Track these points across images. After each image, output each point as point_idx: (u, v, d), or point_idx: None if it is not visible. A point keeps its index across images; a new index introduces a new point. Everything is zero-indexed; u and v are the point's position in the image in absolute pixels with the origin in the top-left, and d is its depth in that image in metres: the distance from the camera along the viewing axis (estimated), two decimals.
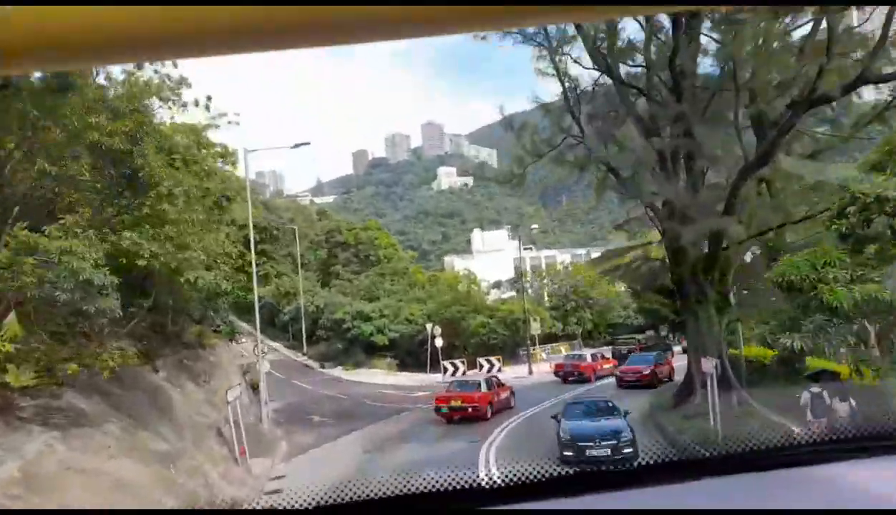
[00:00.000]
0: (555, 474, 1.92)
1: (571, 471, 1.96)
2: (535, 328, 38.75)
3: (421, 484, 1.93)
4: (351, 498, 1.93)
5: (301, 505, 1.92)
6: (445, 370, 37.27)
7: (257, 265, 27.30)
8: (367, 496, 1.93)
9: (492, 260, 73.82)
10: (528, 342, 38.98)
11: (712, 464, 2.01)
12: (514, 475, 1.89)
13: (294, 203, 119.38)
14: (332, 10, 0.74)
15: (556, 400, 29.18)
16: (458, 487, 1.87)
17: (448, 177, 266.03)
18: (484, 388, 24.94)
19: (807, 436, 2.14)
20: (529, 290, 51.86)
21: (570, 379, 34.16)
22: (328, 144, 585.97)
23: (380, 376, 41.81)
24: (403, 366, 47.02)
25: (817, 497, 1.76)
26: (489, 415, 23.95)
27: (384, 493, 1.93)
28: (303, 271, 63.59)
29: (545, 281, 50.49)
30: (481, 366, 37.17)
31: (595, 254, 77.83)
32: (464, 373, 37.22)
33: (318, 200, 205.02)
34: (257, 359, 29.51)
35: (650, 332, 51.26)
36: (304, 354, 50.96)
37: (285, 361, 50.39)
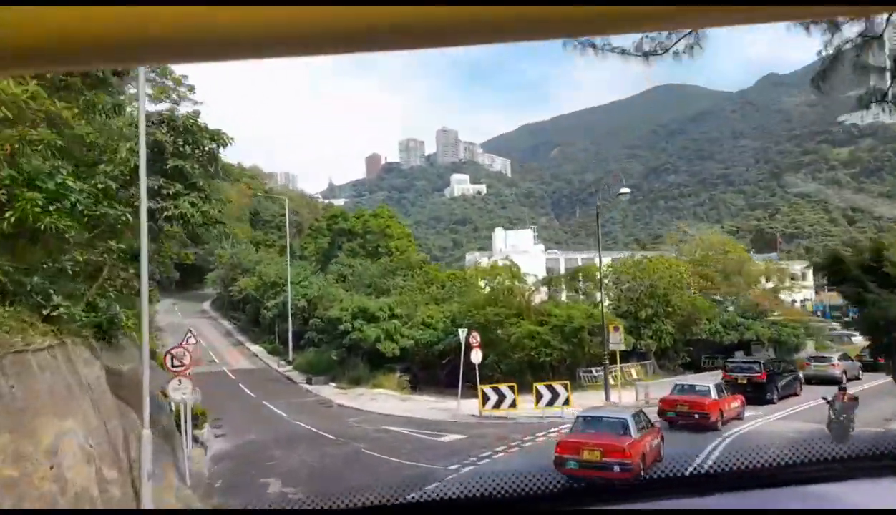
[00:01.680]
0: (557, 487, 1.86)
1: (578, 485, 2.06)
2: (617, 341, 25.68)
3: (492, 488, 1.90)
4: (423, 498, 1.89)
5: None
6: (486, 398, 24.15)
7: (164, 197, 14.22)
8: (442, 497, 1.83)
9: (518, 261, 59.98)
10: (606, 361, 25.81)
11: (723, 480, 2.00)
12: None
13: (300, 194, 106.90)
14: (360, 17, 0.70)
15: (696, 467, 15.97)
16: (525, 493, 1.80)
17: (461, 185, 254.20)
18: (634, 432, 14.66)
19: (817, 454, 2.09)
20: (569, 292, 38.77)
21: (683, 422, 21.04)
22: (342, 148, 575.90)
23: (386, 400, 28.73)
24: (416, 383, 34.05)
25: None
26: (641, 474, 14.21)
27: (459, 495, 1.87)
28: (299, 261, 50.73)
29: (608, 278, 37.11)
30: (539, 396, 24.00)
31: (639, 256, 64.41)
32: (513, 404, 24.10)
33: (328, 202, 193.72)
34: (177, 380, 16.69)
35: (738, 352, 38.03)
36: (288, 363, 37.88)
37: (263, 372, 37.37)
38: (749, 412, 24.27)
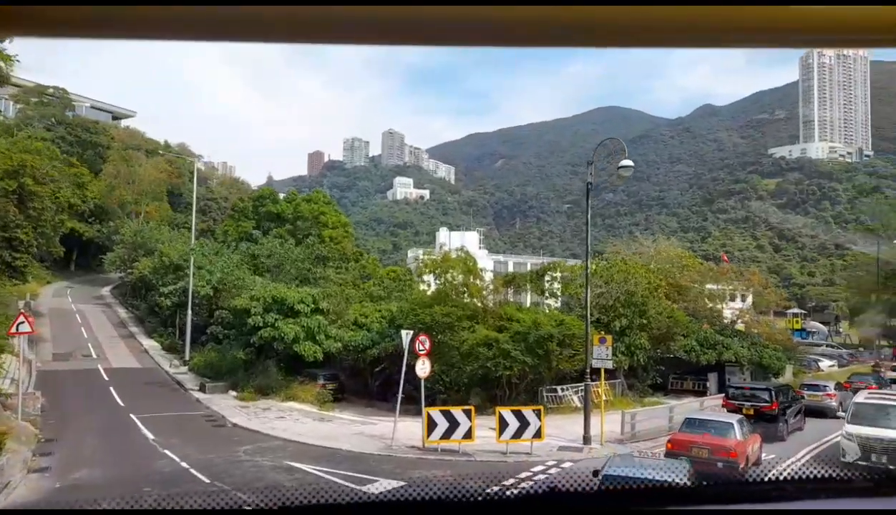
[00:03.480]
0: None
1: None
2: (604, 356, 19.55)
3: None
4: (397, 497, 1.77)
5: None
6: (432, 425, 17.53)
7: None
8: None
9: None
10: (588, 379, 19.68)
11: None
12: None
13: (230, 177, 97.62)
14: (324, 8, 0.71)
15: None
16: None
17: (404, 188, 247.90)
18: None
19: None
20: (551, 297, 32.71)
21: (702, 470, 15.02)
22: (284, 142, 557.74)
23: (299, 419, 21.66)
24: (341, 395, 27.21)
25: None
26: None
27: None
28: (211, 242, 42.80)
29: (574, 282, 31.12)
30: (504, 424, 17.62)
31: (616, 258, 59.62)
32: (469, 434, 17.58)
33: None
34: None
35: (711, 374, 32.96)
36: (183, 363, 30.11)
37: (150, 373, 29.43)
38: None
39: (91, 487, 13.48)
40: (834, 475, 2.05)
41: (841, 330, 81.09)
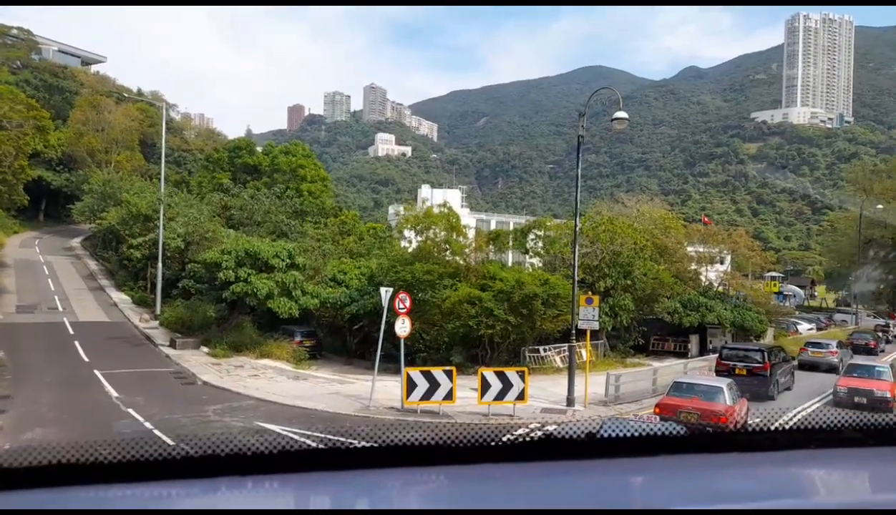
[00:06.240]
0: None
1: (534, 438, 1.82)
2: (591, 317, 18.78)
3: None
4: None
5: None
6: (412, 385, 16.72)
7: None
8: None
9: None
10: (573, 338, 19.00)
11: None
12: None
13: (206, 129, 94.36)
14: None
15: None
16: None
17: (386, 144, 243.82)
18: None
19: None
20: (532, 255, 31.94)
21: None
22: (264, 95, 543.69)
23: (273, 377, 20.77)
24: (317, 352, 26.39)
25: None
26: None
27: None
28: (184, 193, 41.09)
29: (559, 242, 30.21)
30: (486, 385, 16.89)
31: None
32: (449, 395, 16.80)
33: None
34: None
35: (693, 336, 32.72)
36: (154, 317, 28.92)
37: (118, 327, 28.19)
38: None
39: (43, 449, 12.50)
40: (824, 425, 2.07)
41: (815, 293, 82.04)
